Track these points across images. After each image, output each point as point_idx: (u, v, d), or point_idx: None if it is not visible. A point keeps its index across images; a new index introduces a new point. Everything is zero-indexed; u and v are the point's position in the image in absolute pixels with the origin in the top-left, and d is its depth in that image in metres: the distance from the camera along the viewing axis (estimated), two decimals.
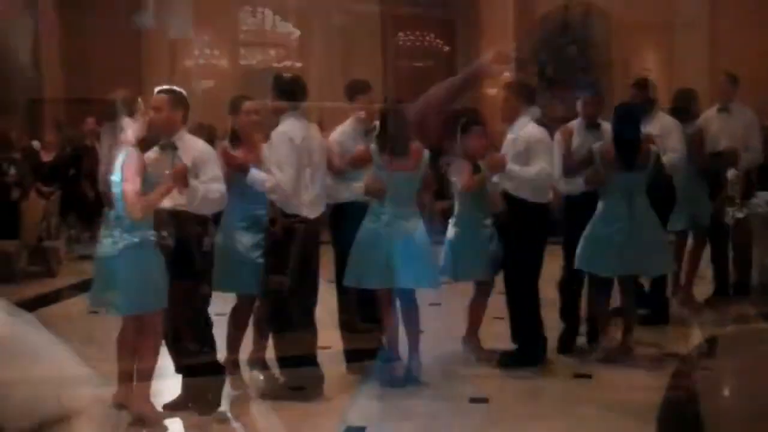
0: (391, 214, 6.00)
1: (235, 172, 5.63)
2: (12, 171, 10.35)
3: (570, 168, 6.59)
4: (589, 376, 6.19)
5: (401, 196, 6.03)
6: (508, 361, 6.35)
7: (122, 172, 5.02)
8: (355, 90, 6.52)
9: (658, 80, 7.98)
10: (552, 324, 6.69)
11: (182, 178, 5.12)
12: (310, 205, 5.76)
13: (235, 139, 5.86)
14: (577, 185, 6.58)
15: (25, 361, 5.26)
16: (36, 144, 13.24)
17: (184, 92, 5.47)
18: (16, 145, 11.56)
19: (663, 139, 7.17)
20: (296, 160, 5.64)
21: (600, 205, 6.45)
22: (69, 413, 5.63)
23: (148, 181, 5.10)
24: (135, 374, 5.37)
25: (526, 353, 6.34)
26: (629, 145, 6.34)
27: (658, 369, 6.28)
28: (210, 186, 5.29)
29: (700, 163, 7.67)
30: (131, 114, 5.16)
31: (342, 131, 6.42)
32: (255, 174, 5.64)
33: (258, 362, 6.07)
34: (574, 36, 14.17)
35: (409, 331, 6.16)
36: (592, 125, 6.84)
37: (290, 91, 5.87)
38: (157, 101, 5.36)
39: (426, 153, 6.07)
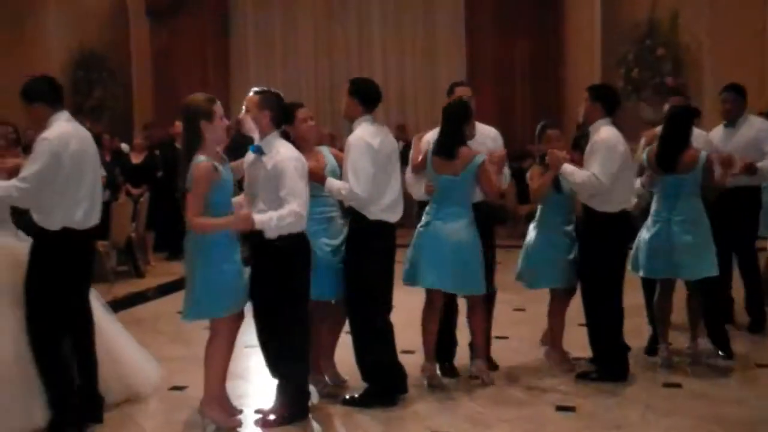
0: (433, 216, 5.98)
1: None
2: (103, 173, 10.56)
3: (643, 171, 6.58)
4: (679, 386, 6.05)
5: (445, 199, 5.98)
6: (583, 377, 6.25)
7: (189, 181, 5.03)
8: (451, 90, 6.55)
9: (750, 85, 7.74)
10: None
11: (243, 222, 5.07)
12: (390, 210, 5.73)
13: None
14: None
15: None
16: (125, 147, 13.54)
17: (275, 93, 5.39)
18: (106, 147, 11.82)
19: (758, 143, 7.18)
20: (374, 165, 5.59)
21: (651, 208, 6.49)
22: (131, 397, 5.79)
23: (224, 190, 5.13)
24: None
25: (606, 369, 6.21)
26: (671, 148, 6.31)
27: (752, 381, 6.14)
28: (282, 213, 5.08)
29: None
30: (209, 118, 5.13)
31: (435, 131, 6.35)
32: (331, 182, 5.64)
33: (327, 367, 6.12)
34: (661, 39, 13.95)
35: (472, 333, 6.21)
36: None
37: (366, 94, 5.80)
38: (246, 102, 5.36)
39: (477, 159, 5.91)
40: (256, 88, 5.43)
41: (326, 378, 6.05)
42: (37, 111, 5.26)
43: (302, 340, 5.37)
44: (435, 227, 5.94)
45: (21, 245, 5.42)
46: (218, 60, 17.52)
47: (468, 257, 5.91)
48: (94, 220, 5.34)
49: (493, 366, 6.41)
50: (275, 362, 5.38)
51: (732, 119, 7.39)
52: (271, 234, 5.10)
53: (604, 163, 5.96)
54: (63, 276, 5.20)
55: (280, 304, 5.23)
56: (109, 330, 5.86)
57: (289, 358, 5.33)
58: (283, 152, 5.20)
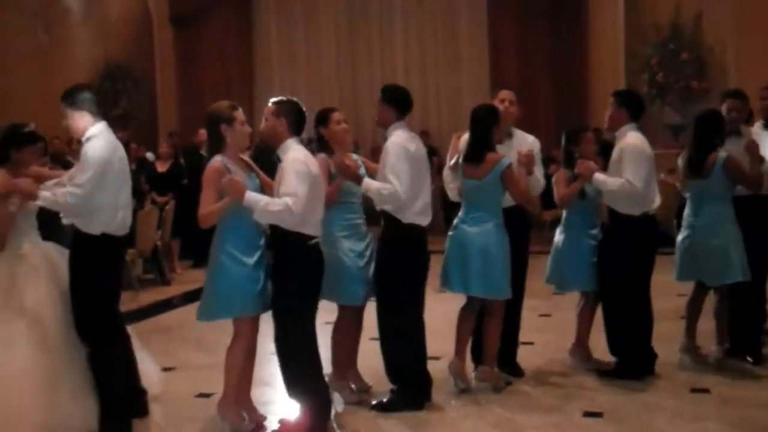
0: (461, 221, 6.03)
1: (340, 187, 5.74)
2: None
3: None
4: (707, 391, 6.01)
5: (472, 204, 6.03)
6: (604, 375, 6.34)
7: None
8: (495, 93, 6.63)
9: None
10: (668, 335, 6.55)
11: (234, 187, 5.03)
12: (422, 213, 5.78)
13: (325, 149, 5.86)
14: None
15: None
16: (150, 155, 13.61)
17: (291, 101, 5.40)
18: (132, 156, 11.87)
19: None
20: (411, 169, 5.66)
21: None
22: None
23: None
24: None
25: (623, 366, 6.29)
26: (698, 152, 6.35)
27: None
28: (275, 200, 5.07)
29: None
30: (230, 123, 5.25)
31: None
32: (369, 182, 5.70)
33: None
34: (684, 42, 13.87)
35: (485, 338, 6.20)
36: None
37: (400, 101, 5.87)
38: (265, 111, 5.39)
39: (504, 162, 5.90)
40: (273, 99, 5.46)
41: (351, 384, 6.06)
42: (79, 118, 5.38)
43: (307, 352, 5.28)
44: (462, 231, 5.97)
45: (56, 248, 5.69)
46: (242, 67, 17.60)
47: (493, 261, 5.89)
48: (127, 227, 5.48)
49: (519, 372, 6.40)
50: (285, 377, 5.33)
51: None
52: (259, 217, 5.10)
53: (636, 167, 6.03)
54: (104, 279, 5.38)
55: (283, 311, 5.22)
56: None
57: (297, 372, 5.27)
58: (290, 155, 5.19)
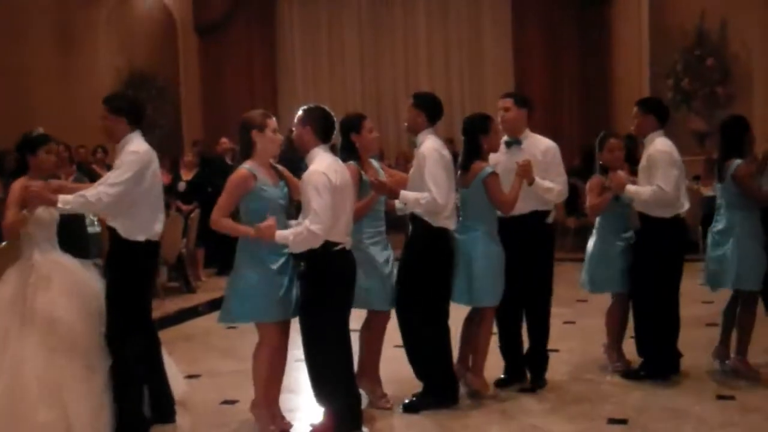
0: (455, 229, 6.00)
1: (373, 203, 5.79)
2: None
3: None
4: (732, 398, 5.97)
5: (463, 212, 6.09)
6: (630, 375, 6.45)
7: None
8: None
9: None
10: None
11: (266, 232, 5.05)
12: (451, 217, 5.87)
13: (353, 156, 5.83)
14: None
15: None
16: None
17: (318, 107, 5.41)
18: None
19: None
20: (447, 175, 5.75)
21: None
22: None
23: (262, 200, 5.23)
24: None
25: (650, 367, 6.39)
26: (721, 159, 6.43)
27: None
28: (298, 230, 5.06)
29: None
30: (261, 129, 5.32)
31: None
32: (406, 195, 5.72)
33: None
34: (710, 48, 13.81)
35: (473, 345, 6.21)
36: None
37: (433, 108, 5.93)
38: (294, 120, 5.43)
39: (486, 170, 5.91)
40: (303, 107, 5.48)
41: (381, 388, 6.08)
42: (117, 124, 5.54)
43: (339, 359, 5.31)
44: (456, 241, 5.98)
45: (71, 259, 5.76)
46: (266, 75, 17.69)
47: (474, 269, 5.92)
48: (160, 232, 5.63)
49: (543, 382, 6.38)
50: (313, 384, 5.37)
51: None
52: (294, 249, 5.16)
53: (666, 173, 6.12)
54: (145, 283, 5.62)
55: (315, 321, 5.22)
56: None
57: (326, 380, 5.31)
58: (312, 166, 5.19)
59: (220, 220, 5.23)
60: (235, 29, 17.65)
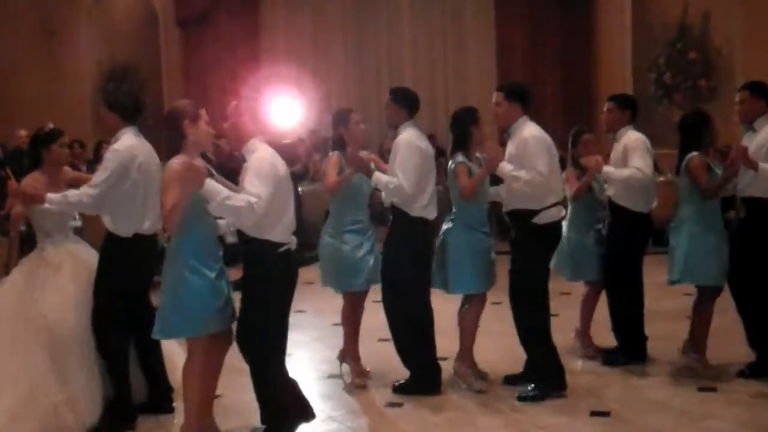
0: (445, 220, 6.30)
1: (350, 178, 6.10)
2: None
3: None
4: (714, 390, 6.00)
5: (453, 202, 6.27)
6: (611, 359, 6.67)
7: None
8: None
9: None
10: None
11: (195, 173, 4.67)
12: (428, 208, 6.04)
13: (340, 147, 6.26)
14: None
15: None
16: None
17: (252, 97, 5.32)
18: None
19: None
20: (421, 165, 5.95)
21: None
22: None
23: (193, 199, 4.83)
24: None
25: (627, 350, 6.66)
26: (680, 154, 6.44)
27: None
28: (236, 195, 4.78)
29: None
30: (194, 121, 4.96)
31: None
32: (379, 176, 5.98)
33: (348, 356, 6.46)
34: (692, 42, 13.85)
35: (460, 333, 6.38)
36: None
37: (410, 101, 6.19)
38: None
39: (454, 161, 6.10)
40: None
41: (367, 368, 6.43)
42: (111, 119, 5.70)
43: (273, 363, 5.12)
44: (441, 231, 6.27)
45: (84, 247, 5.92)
46: (249, 68, 17.60)
47: (453, 257, 6.06)
48: (158, 226, 5.63)
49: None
50: (255, 388, 5.20)
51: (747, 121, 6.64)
52: (216, 211, 4.84)
53: (643, 158, 6.38)
54: (135, 276, 5.64)
55: (257, 325, 5.02)
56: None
57: (265, 382, 5.16)
58: (255, 154, 4.97)
59: (166, 212, 4.69)
60: (218, 21, 17.53)
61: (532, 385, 5.98)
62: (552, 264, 6.35)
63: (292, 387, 5.21)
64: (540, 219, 5.93)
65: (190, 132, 4.92)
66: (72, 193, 5.48)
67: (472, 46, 16.96)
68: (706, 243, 6.20)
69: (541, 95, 15.67)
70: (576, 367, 6.60)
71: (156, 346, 5.73)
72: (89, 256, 5.79)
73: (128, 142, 5.58)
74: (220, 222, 5.15)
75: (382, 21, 17.43)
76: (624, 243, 6.55)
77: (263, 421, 5.20)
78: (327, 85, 17.50)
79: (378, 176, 6.00)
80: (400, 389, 6.10)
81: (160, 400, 5.79)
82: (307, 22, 17.81)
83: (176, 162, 4.79)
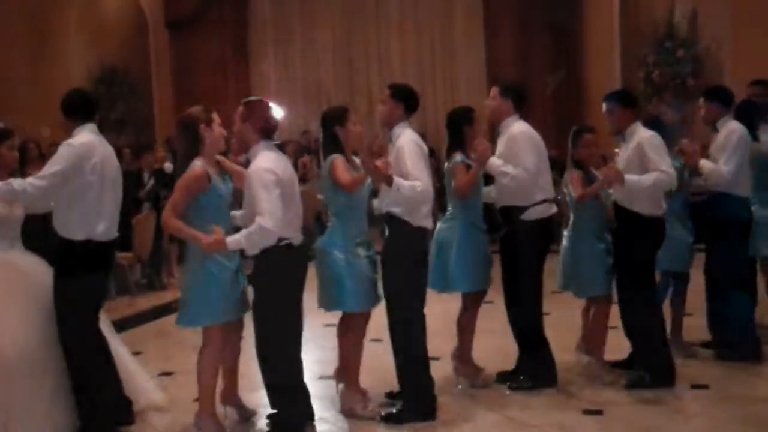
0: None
1: (366, 177, 5.61)
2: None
3: None
4: (707, 387, 6.01)
5: (449, 201, 6.25)
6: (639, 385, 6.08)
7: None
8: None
9: None
10: None
11: (216, 245, 4.93)
12: (429, 216, 5.69)
13: (336, 152, 5.69)
14: None
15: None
16: (168, 166, 13.49)
17: (259, 101, 5.33)
18: (127, 162, 11.83)
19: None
20: (426, 167, 5.59)
21: None
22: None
23: (212, 196, 5.16)
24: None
25: (654, 374, 6.11)
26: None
27: None
28: (250, 230, 4.93)
29: None
30: (209, 124, 5.22)
31: None
32: (400, 181, 5.41)
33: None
34: (680, 40, 13.87)
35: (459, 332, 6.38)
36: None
37: (410, 100, 5.81)
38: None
39: (454, 159, 6.10)
40: (244, 100, 5.38)
41: (366, 393, 5.95)
42: (64, 121, 5.45)
43: (292, 366, 5.25)
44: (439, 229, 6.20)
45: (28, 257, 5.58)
46: (238, 71, 17.61)
47: (448, 257, 6.03)
48: (114, 233, 5.43)
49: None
50: (267, 387, 5.29)
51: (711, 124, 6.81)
52: (251, 252, 5.05)
53: (663, 156, 5.92)
54: (88, 283, 5.29)
55: (268, 318, 5.13)
56: (118, 350, 5.82)
57: (280, 385, 5.25)
58: (255, 162, 5.09)
59: (171, 220, 5.05)
60: (207, 24, 17.55)
61: (523, 377, 6.05)
62: (558, 284, 6.47)
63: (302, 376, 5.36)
64: (528, 215, 5.93)
65: (206, 135, 5.18)
66: (17, 182, 5.17)
67: (461, 44, 17.11)
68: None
69: (529, 93, 15.72)
70: (569, 364, 6.58)
71: (111, 356, 5.52)
72: (34, 268, 5.49)
73: (84, 138, 5.30)
74: (234, 213, 5.38)
75: (370, 22, 17.55)
76: (636, 250, 6.07)
77: (272, 405, 5.36)
78: (316, 87, 17.54)
79: (399, 182, 5.38)
80: (392, 418, 5.63)
81: (121, 411, 5.51)
82: (296, 22, 17.94)
83: (198, 169, 5.10)
